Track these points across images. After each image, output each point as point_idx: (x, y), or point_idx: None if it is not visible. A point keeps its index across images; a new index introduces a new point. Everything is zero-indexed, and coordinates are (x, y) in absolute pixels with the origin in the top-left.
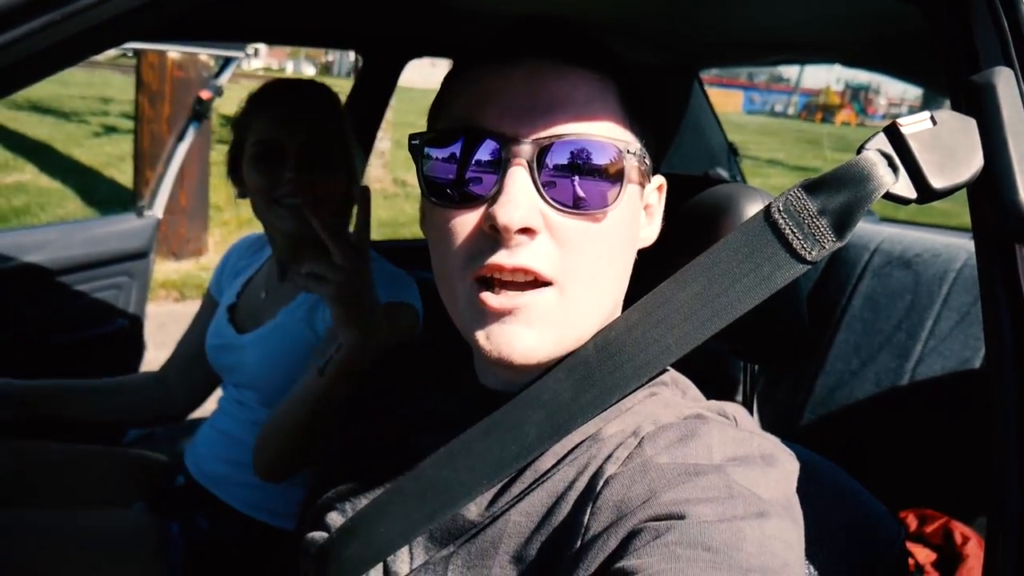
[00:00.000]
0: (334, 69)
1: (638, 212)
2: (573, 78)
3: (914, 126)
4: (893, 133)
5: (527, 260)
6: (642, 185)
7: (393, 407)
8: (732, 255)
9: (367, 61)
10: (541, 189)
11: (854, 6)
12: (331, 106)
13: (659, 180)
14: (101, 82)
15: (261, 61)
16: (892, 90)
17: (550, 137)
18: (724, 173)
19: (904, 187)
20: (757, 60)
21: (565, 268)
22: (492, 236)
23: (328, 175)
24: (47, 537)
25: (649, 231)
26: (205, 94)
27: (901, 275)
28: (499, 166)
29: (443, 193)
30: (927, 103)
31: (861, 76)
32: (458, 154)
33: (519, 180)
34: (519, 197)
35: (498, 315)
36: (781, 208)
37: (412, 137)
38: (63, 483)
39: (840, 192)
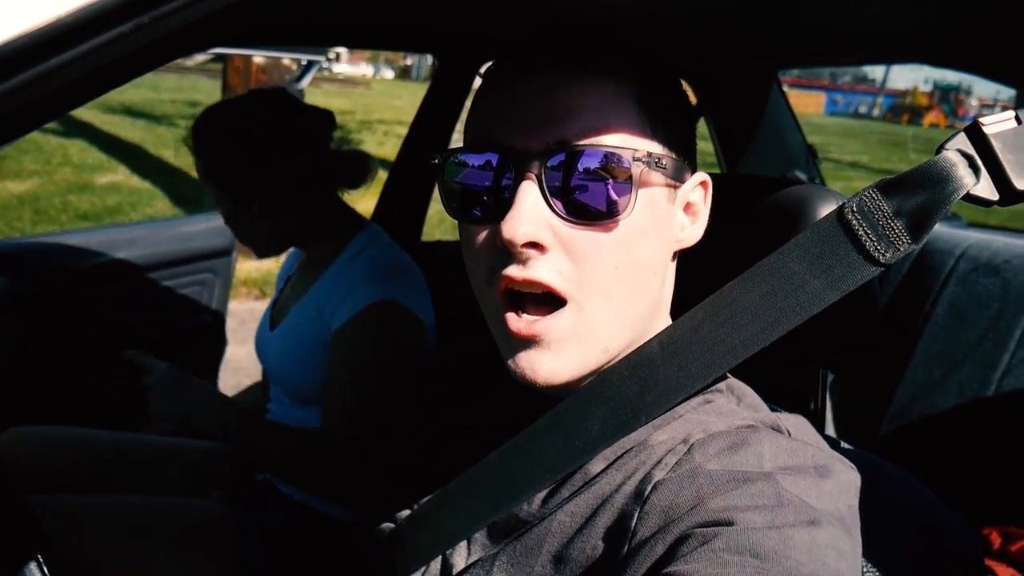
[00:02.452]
0: (412, 73)
1: (667, 215)
2: (586, 86)
3: (997, 125)
4: (975, 133)
5: (538, 274)
6: (670, 187)
7: (458, 407)
8: (803, 255)
9: (442, 63)
10: (550, 202)
11: (936, 5)
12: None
13: (700, 177)
14: (190, 87)
15: (343, 65)
16: (984, 90)
17: (558, 148)
18: (802, 175)
19: (986, 188)
20: (839, 59)
21: (580, 281)
22: (505, 250)
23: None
24: (125, 521)
25: (692, 231)
26: None
27: (988, 282)
28: (512, 180)
29: (462, 209)
30: (1021, 104)
31: (950, 76)
32: (475, 170)
33: (528, 194)
34: (526, 211)
35: (521, 341)
36: (855, 208)
37: (432, 156)
38: (144, 473)
39: (917, 193)
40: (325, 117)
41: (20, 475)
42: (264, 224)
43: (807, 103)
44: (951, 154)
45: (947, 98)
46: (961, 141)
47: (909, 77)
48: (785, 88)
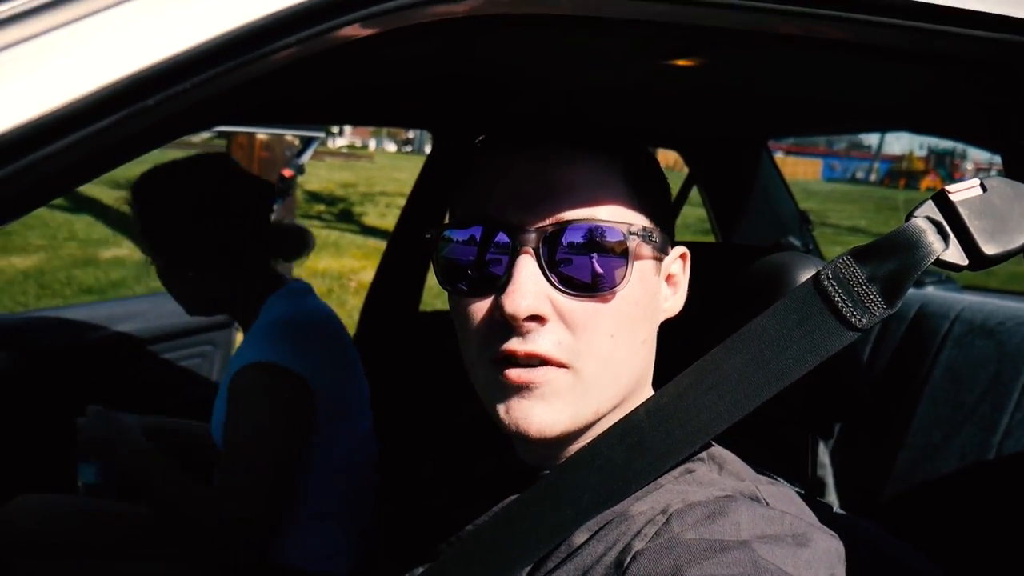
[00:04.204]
0: (415, 144)
1: (655, 286)
2: (579, 163)
3: (963, 192)
4: (942, 200)
5: (538, 347)
6: (657, 259)
7: (447, 479)
8: (782, 322)
9: (437, 138)
10: (549, 275)
11: (915, 76)
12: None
13: (680, 250)
14: None
15: (345, 139)
16: (979, 155)
17: (556, 223)
18: (796, 242)
19: (955, 254)
20: (825, 129)
21: (578, 349)
22: (504, 323)
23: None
24: None
25: (673, 301)
26: (288, 172)
27: (984, 344)
28: (508, 254)
29: (457, 282)
30: (1007, 170)
31: (945, 141)
32: (469, 244)
33: (526, 268)
34: (526, 285)
35: (516, 388)
36: (830, 275)
37: (427, 231)
38: (140, 543)
39: (890, 259)
40: (264, 187)
41: (25, 542)
42: (194, 288)
43: (804, 170)
44: (920, 221)
45: (943, 162)
46: (929, 208)
47: (905, 143)
48: (781, 155)
